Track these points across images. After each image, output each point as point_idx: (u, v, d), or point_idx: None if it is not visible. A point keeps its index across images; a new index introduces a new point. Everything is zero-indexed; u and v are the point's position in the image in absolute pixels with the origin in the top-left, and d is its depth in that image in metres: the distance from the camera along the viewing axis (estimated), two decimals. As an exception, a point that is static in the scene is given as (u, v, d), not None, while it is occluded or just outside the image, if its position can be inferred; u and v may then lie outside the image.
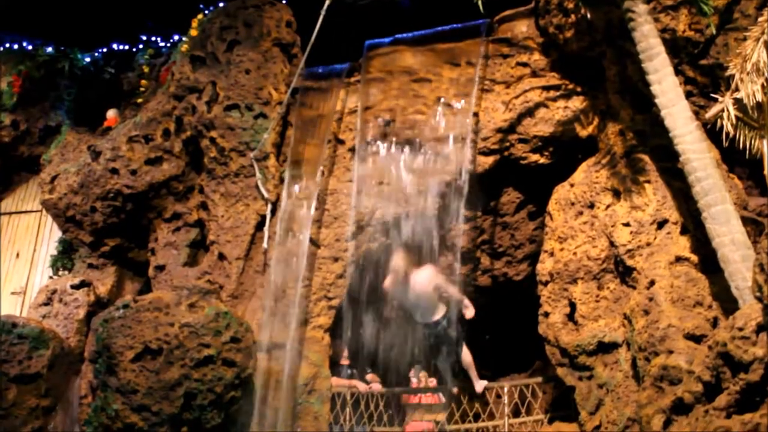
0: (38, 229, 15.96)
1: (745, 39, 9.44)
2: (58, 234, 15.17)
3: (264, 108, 13.06)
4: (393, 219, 12.08)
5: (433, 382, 12.10)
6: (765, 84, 9.16)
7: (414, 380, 12.24)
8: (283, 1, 14.16)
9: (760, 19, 9.25)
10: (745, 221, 9.15)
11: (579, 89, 11.91)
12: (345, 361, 12.19)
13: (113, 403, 10.82)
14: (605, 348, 9.97)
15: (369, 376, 12.28)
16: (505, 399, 11.09)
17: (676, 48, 10.27)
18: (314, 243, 12.20)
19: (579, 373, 10.17)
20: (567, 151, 11.85)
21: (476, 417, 11.50)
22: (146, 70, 15.95)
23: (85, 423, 11.24)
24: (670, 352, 8.97)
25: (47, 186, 14.56)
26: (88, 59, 16.37)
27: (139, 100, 15.39)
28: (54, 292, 13.64)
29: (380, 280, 11.65)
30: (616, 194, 10.64)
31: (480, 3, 10.44)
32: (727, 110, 9.51)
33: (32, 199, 16.20)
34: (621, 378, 9.69)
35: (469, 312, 11.09)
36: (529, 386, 11.14)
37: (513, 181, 12.44)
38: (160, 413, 10.64)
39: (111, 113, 15.53)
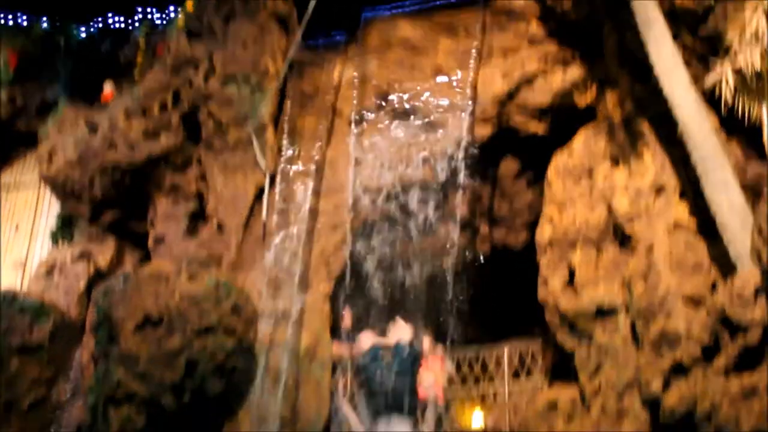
0: (37, 202, 15.96)
1: (743, 8, 9.47)
2: (57, 207, 15.17)
3: (261, 80, 13.03)
4: (391, 189, 12.10)
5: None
6: (763, 52, 9.21)
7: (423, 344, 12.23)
8: (280, -27, 14.10)
9: (758, -13, 9.29)
10: (744, 187, 9.20)
11: (577, 59, 11.92)
12: (347, 328, 12.20)
13: (115, 373, 10.88)
14: (604, 313, 10.04)
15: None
16: (505, 362, 11.20)
17: (675, 17, 10.26)
18: (313, 213, 12.23)
19: (578, 337, 10.26)
20: (565, 120, 11.88)
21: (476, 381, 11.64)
22: (143, 44, 15.89)
23: (88, 392, 11.31)
24: (669, 316, 9.05)
25: (45, 160, 14.50)
26: (84, 34, 16.32)
27: (136, 75, 15.34)
28: (54, 264, 13.69)
29: (381, 248, 11.71)
30: (615, 161, 10.70)
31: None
32: (726, 78, 9.57)
33: (31, 173, 16.19)
34: (620, 342, 9.78)
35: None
36: (528, 350, 11.25)
37: (512, 151, 12.49)
38: (162, 381, 10.70)
39: (108, 88, 15.50)
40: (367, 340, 10.80)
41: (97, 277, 13.39)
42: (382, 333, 12.06)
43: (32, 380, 11.85)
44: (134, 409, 10.87)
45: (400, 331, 10.73)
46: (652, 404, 9.09)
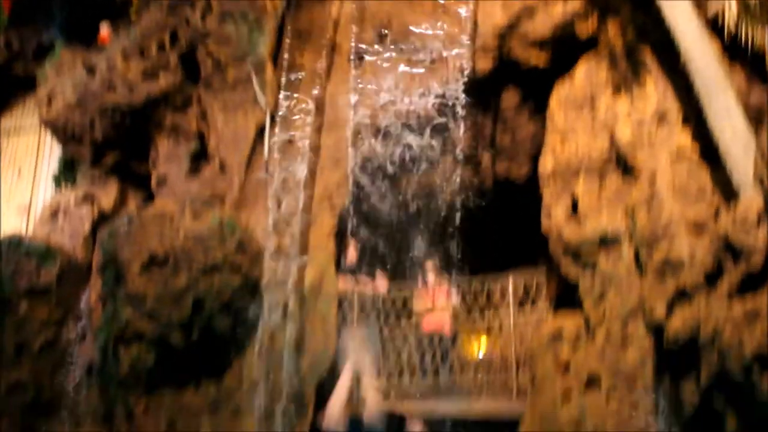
0: (38, 146, 15.97)
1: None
2: (58, 151, 15.16)
3: (259, 17, 12.86)
4: (393, 123, 12.06)
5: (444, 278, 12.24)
6: (768, -24, 9.11)
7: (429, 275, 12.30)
8: None
9: None
10: (747, 114, 9.17)
11: (579, -13, 11.75)
12: (352, 263, 12.29)
13: (123, 312, 11.01)
14: (608, 241, 10.05)
15: (377, 276, 12.39)
16: (510, 292, 11.30)
17: (677, -58, 10.12)
18: (314, 150, 12.22)
19: (582, 267, 10.29)
20: (567, 51, 11.73)
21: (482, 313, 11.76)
22: (138, -17, 15.69)
23: (97, 332, 11.47)
24: (672, 243, 9.10)
25: (44, 104, 14.45)
26: (78, -25, 16.13)
27: (132, 15, 15.17)
28: (58, 208, 13.75)
29: (383, 183, 11.73)
30: (617, 90, 10.61)
31: None
32: (729, 4, 9.47)
33: (31, 117, 16.13)
34: (624, 270, 9.82)
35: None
36: (533, 281, 11.33)
37: (513, 82, 12.38)
38: (170, 320, 10.84)
39: (104, 29, 15.34)
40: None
41: (102, 220, 13.46)
42: (385, 268, 12.28)
43: (41, 322, 12.00)
44: (143, 347, 11.04)
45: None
46: (656, 330, 9.20)
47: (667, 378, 9.29)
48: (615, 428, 9.55)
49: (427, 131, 11.90)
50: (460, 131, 11.88)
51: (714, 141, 9.18)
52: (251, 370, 11.29)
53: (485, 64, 12.08)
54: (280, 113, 12.50)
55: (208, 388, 11.33)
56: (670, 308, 8.92)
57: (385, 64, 12.42)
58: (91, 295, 12.36)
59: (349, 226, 11.90)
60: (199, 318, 10.89)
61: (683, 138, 9.98)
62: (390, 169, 11.99)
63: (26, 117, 16.36)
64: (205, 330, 11.02)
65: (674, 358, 9.04)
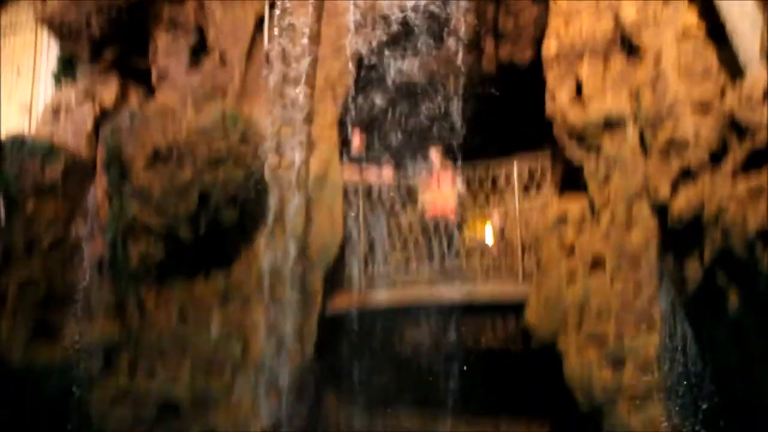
0: (36, 44, 15.74)
1: None
2: (57, 48, 14.96)
3: None
4: (394, 9, 11.87)
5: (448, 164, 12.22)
6: None
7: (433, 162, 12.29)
8: None
9: None
10: (755, -10, 8.98)
11: None
12: (357, 153, 12.27)
13: (130, 208, 11.09)
14: (612, 124, 10.00)
15: (382, 165, 12.39)
16: (515, 178, 11.31)
17: None
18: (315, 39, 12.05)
19: (587, 150, 10.26)
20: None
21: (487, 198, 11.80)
22: None
23: (106, 228, 11.57)
24: (677, 122, 9.04)
25: (39, 1, 14.20)
26: None
27: None
28: (59, 106, 13.64)
29: (386, 70, 11.61)
30: (622, -32, 10.39)
31: None
32: None
33: (26, 14, 15.86)
34: (628, 152, 9.80)
35: None
36: (538, 166, 11.33)
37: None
38: (177, 214, 10.93)
39: None
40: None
41: (104, 116, 13.35)
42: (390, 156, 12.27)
43: (49, 220, 12.04)
44: (152, 241, 11.16)
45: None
46: (660, 211, 9.24)
47: (670, 258, 9.38)
48: (619, 309, 9.72)
49: (430, 15, 11.71)
50: (462, 16, 11.71)
51: (720, 19, 9.02)
52: (259, 262, 11.43)
53: (487, -54, 11.83)
54: (279, 2, 12.28)
55: (218, 280, 11.49)
56: (675, 188, 8.92)
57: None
58: (97, 191, 12.38)
59: (353, 115, 11.84)
60: (205, 211, 10.96)
61: (689, 16, 9.78)
62: (392, 55, 11.84)
63: (22, 14, 16.07)
64: (212, 223, 11.11)
65: (678, 237, 9.11)
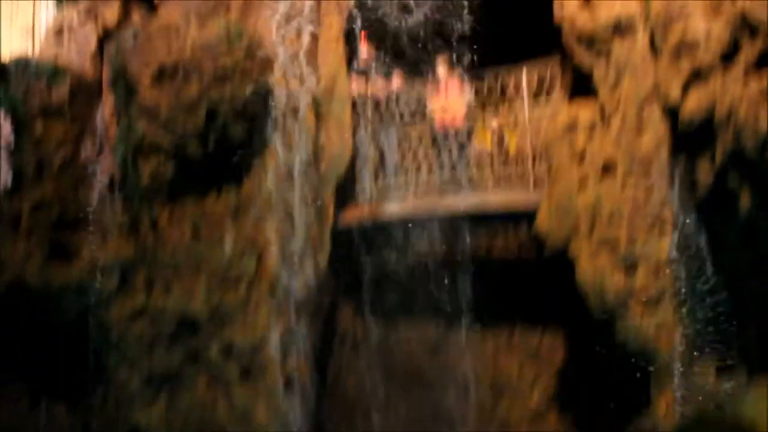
0: (34, -37, 15.50)
1: None
2: (56, -32, 14.72)
3: None
4: None
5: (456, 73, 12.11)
6: None
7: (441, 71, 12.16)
8: None
9: None
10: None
11: None
12: (365, 64, 12.16)
13: (138, 126, 11.09)
14: (622, 27, 9.82)
15: (391, 76, 12.28)
16: (524, 86, 11.20)
17: None
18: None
19: (596, 55, 10.09)
20: None
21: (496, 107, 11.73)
22: None
23: (115, 147, 11.56)
24: (688, 23, 8.87)
25: None
26: None
27: None
28: (62, 26, 13.44)
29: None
30: None
31: None
32: None
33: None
34: (638, 55, 9.64)
35: None
36: (547, 73, 11.20)
37: None
38: (185, 130, 10.92)
39: None
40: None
41: (107, 36, 13.19)
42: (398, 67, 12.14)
43: (58, 140, 12.01)
44: (162, 159, 11.19)
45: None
46: (671, 113, 9.15)
47: (681, 161, 9.33)
48: (631, 213, 9.70)
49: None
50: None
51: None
52: (269, 177, 11.45)
53: None
54: None
55: (229, 196, 11.51)
56: (686, 90, 8.81)
57: None
58: (104, 111, 12.34)
59: (358, 26, 11.70)
60: (213, 127, 10.93)
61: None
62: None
63: (19, -67, 15.79)
64: (221, 139, 11.09)
65: (689, 140, 9.05)
